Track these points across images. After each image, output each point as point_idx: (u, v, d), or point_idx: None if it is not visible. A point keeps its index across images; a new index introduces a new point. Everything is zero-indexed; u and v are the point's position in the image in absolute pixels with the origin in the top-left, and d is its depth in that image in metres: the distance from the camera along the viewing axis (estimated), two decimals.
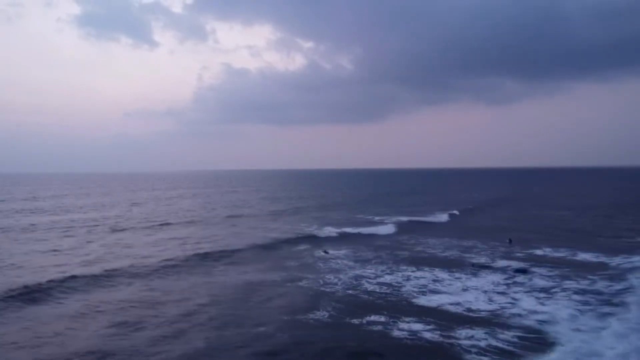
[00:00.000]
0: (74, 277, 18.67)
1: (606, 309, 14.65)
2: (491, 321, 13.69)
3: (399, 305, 15.39)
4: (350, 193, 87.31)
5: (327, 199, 67.67)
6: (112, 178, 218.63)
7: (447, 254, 25.21)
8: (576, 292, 16.65)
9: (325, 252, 25.66)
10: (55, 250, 25.35)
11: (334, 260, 23.27)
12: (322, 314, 14.53)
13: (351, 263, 22.67)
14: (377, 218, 41.66)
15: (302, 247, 27.49)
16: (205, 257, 23.80)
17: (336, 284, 18.42)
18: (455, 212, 47.26)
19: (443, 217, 43.26)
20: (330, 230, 32.97)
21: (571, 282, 18.15)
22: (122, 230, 34.06)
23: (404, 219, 40.85)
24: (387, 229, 34.99)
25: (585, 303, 15.38)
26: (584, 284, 17.83)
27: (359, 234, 32.48)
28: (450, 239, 29.83)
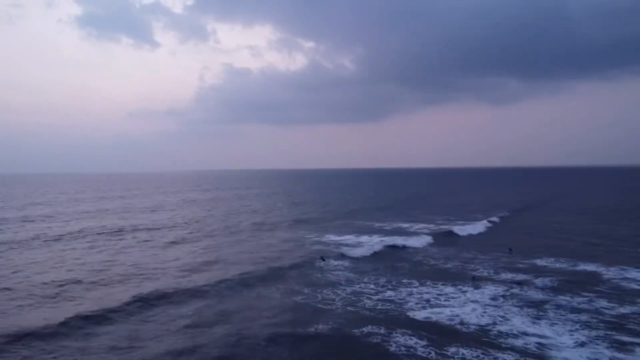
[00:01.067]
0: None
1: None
2: None
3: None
4: (368, 195, 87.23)
5: (353, 204, 65.90)
6: (121, 178, 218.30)
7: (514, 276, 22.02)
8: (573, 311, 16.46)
9: (322, 259, 25.92)
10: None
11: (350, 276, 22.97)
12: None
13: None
14: (412, 226, 40.18)
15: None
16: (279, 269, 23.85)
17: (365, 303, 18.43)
18: (495, 219, 44.78)
19: (479, 227, 39.56)
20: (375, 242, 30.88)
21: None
22: (213, 236, 35.91)
23: (439, 227, 39.09)
24: (422, 240, 32.49)
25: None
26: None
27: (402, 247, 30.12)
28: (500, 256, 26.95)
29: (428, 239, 33.12)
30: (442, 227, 39.16)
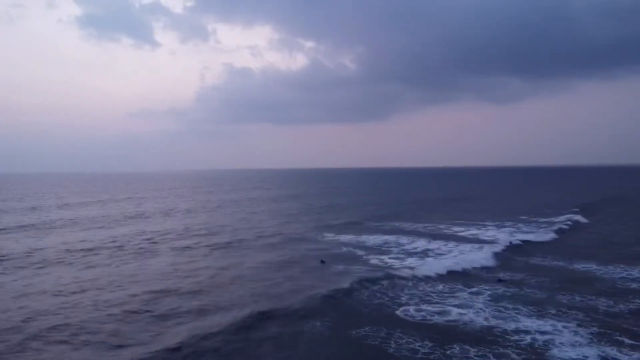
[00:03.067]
0: None
1: None
2: None
3: None
4: (393, 197, 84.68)
5: (383, 208, 60.78)
6: (129, 178, 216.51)
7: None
8: None
9: (322, 261, 25.70)
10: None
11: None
12: None
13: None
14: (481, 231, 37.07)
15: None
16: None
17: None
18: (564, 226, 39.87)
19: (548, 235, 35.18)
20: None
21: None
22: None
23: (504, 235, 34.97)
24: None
25: None
26: None
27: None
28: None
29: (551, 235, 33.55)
30: (514, 233, 36.24)
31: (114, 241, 32.54)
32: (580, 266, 24.47)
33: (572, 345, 13.63)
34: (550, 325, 15.31)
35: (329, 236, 34.89)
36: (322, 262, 25.71)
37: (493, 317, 16.22)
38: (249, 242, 32.51)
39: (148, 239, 33.67)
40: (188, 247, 30.57)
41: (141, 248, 30.26)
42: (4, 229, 38.83)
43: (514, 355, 12.92)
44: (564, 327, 15.15)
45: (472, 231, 37.55)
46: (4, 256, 26.89)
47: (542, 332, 14.67)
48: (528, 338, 14.21)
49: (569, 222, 42.12)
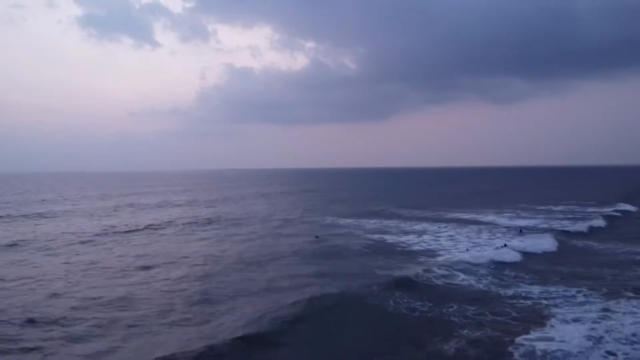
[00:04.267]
0: None
1: None
2: None
3: None
4: (415, 192, 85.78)
5: (407, 200, 63.64)
6: (139, 177, 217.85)
7: None
8: None
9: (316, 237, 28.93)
10: None
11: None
12: None
13: None
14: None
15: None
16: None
17: None
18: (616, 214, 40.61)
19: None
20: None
21: None
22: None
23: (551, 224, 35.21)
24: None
25: None
26: None
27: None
28: None
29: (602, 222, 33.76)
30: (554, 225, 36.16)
31: (210, 217, 42.33)
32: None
33: None
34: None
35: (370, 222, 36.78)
36: (317, 237, 29.10)
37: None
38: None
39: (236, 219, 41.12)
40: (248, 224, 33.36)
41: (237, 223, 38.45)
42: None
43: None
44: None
45: (522, 218, 38.54)
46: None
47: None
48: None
49: (618, 211, 42.90)
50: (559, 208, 48.18)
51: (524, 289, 17.20)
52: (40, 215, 43.14)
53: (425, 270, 19.64)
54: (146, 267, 21.17)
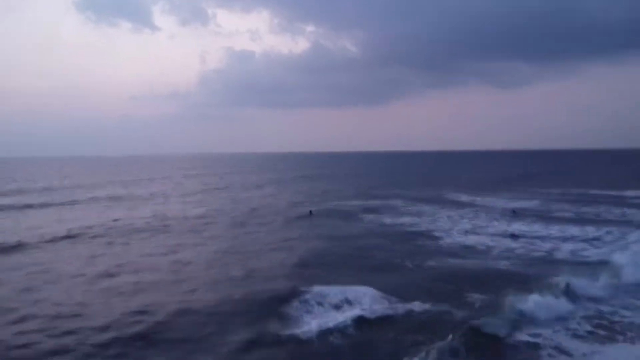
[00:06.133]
0: None
1: None
2: None
3: None
4: (415, 176, 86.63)
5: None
6: (145, 161, 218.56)
7: None
8: None
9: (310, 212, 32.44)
10: None
11: None
12: None
13: None
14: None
15: None
16: None
17: None
18: None
19: None
20: None
21: None
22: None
23: None
24: None
25: None
26: None
27: None
28: None
29: None
30: None
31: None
32: None
33: None
34: None
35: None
36: (310, 212, 32.25)
37: None
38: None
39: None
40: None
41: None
42: None
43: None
44: None
45: (517, 200, 39.63)
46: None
47: None
48: None
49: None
50: (557, 191, 49.39)
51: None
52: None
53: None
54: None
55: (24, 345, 11.22)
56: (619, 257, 18.13)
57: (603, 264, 17.88)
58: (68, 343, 11.31)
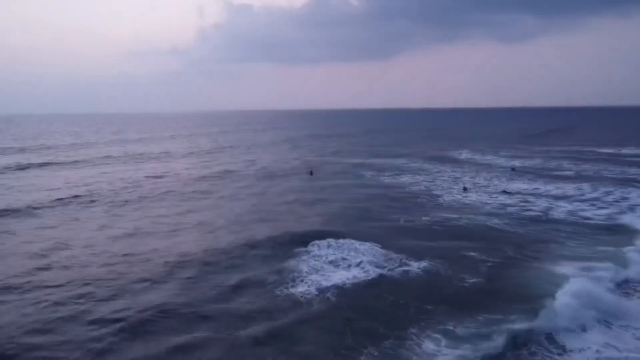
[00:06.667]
0: None
1: None
2: None
3: None
4: (418, 133, 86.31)
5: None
6: (157, 118, 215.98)
7: None
8: None
9: (311, 172, 32.93)
10: None
11: None
12: None
13: None
14: None
15: None
16: None
17: None
18: None
19: None
20: None
21: None
22: None
23: None
24: None
25: None
26: None
27: None
28: None
29: None
30: None
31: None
32: None
33: None
34: None
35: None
36: (311, 173, 32.54)
37: None
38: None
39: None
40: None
41: None
42: None
43: None
44: None
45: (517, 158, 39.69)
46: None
47: None
48: None
49: None
50: (558, 148, 49.73)
51: None
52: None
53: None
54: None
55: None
56: (630, 220, 18.11)
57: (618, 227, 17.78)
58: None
